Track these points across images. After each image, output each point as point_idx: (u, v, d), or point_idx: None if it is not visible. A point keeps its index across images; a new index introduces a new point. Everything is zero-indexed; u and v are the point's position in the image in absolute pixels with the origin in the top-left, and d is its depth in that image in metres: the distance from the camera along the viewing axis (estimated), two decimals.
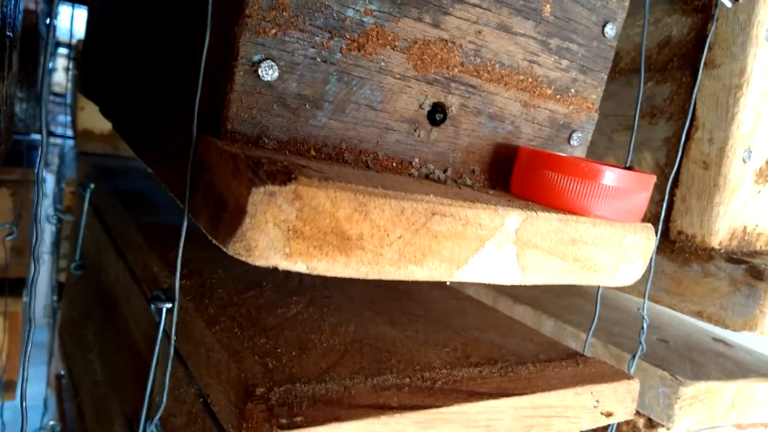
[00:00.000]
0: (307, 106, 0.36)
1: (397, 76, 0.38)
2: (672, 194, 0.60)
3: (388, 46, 0.37)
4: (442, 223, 0.32)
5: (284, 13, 0.33)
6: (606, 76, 0.48)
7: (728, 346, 0.74)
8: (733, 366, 0.66)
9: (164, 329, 0.44)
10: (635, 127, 0.55)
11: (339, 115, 0.37)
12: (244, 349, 0.38)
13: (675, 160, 0.59)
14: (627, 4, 0.47)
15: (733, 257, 0.55)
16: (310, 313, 0.46)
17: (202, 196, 0.33)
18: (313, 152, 0.37)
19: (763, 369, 0.67)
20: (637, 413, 0.63)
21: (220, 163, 0.31)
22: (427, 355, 0.43)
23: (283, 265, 0.28)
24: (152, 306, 0.46)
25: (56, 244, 1.74)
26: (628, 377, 0.46)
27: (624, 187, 0.38)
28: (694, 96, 0.56)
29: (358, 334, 0.44)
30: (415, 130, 0.40)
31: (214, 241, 0.30)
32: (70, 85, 1.66)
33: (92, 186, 0.95)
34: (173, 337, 0.40)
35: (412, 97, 0.39)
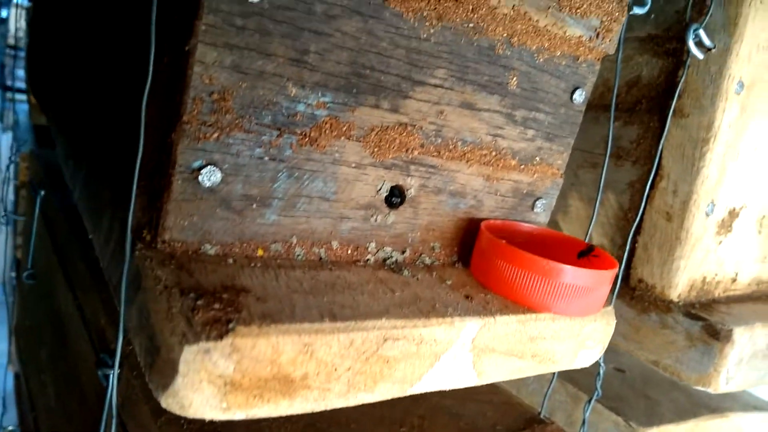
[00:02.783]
0: (254, 206, 0.33)
1: (353, 165, 0.36)
2: (634, 241, 0.59)
3: (342, 137, 0.35)
4: (395, 347, 0.31)
5: (227, 116, 0.30)
6: (573, 140, 0.46)
7: None
8: (686, 401, 0.67)
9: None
10: (602, 179, 0.54)
11: (289, 210, 0.35)
12: None
13: (638, 206, 0.58)
14: (598, 68, 0.45)
15: (690, 312, 0.55)
16: None
17: (138, 317, 0.30)
18: (260, 252, 0.34)
19: (714, 402, 0.69)
20: None
21: (155, 293, 0.28)
22: None
23: (221, 417, 0.26)
24: (99, 372, 0.44)
25: (13, 223, 1.65)
26: None
27: (586, 285, 0.37)
28: (660, 146, 0.55)
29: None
30: (371, 216, 0.38)
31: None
32: (22, 35, 1.54)
33: (42, 193, 0.91)
34: (114, 405, 0.38)
35: (368, 184, 0.37)
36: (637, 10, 0.46)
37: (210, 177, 0.31)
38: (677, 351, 0.56)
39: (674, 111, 0.55)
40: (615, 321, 0.42)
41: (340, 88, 0.33)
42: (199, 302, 0.27)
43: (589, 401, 0.59)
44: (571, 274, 0.36)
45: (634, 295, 0.60)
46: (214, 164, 0.31)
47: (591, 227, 0.56)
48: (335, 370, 0.29)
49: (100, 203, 0.40)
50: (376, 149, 0.36)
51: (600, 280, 0.38)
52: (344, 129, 0.34)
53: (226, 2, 0.28)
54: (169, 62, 0.30)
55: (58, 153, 0.65)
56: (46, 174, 1.00)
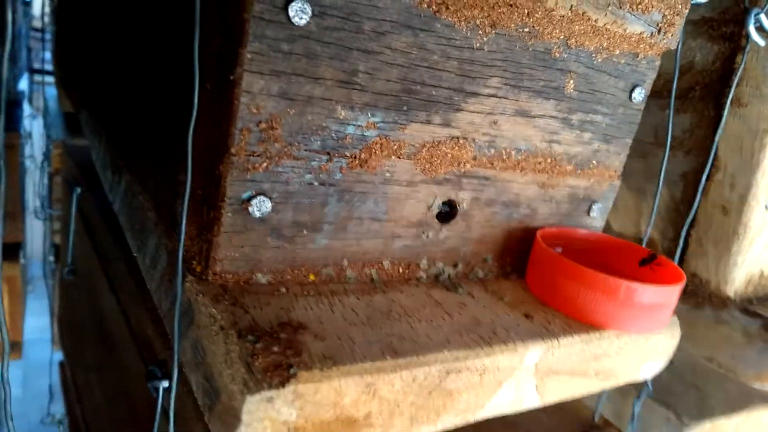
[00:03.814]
0: (305, 231, 0.32)
1: (404, 183, 0.34)
2: (687, 234, 0.57)
3: (393, 156, 0.33)
4: (458, 379, 0.30)
5: (276, 144, 0.29)
6: (631, 140, 0.44)
7: None
8: (736, 391, 0.65)
9: (163, 407, 0.42)
10: (662, 173, 0.52)
11: (340, 233, 0.33)
12: None
13: (691, 198, 0.55)
14: (658, 64, 0.42)
15: (748, 309, 0.53)
16: None
17: (192, 352, 0.30)
18: (312, 277, 0.33)
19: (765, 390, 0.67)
20: None
21: (210, 332, 0.27)
22: None
23: None
24: (149, 384, 0.44)
25: (49, 206, 1.67)
26: None
27: (653, 302, 0.35)
28: (717, 137, 0.52)
29: None
30: (423, 233, 0.37)
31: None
32: (48, 19, 1.54)
33: (78, 190, 0.91)
34: (172, 419, 0.38)
35: (420, 201, 0.36)
36: None
37: (260, 207, 0.30)
38: (733, 348, 0.54)
39: (732, 100, 0.52)
40: (680, 333, 0.40)
41: (390, 107, 0.32)
42: (258, 345, 0.26)
43: (639, 396, 0.58)
44: (636, 290, 0.35)
45: (687, 289, 0.57)
46: (264, 194, 0.30)
47: (651, 223, 0.54)
48: (398, 406, 0.28)
49: (144, 224, 0.39)
50: (427, 165, 0.35)
51: (667, 296, 0.36)
52: (395, 148, 0.33)
53: (271, 28, 0.27)
54: (212, 88, 0.29)
55: (94, 158, 0.65)
56: (80, 170, 1.01)
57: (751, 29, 0.48)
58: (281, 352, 0.26)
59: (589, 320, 0.36)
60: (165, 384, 0.44)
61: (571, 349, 0.34)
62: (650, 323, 0.36)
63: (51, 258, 1.67)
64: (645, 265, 0.41)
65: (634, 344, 0.37)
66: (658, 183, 0.53)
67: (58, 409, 1.33)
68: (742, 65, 0.51)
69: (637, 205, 0.62)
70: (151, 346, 0.51)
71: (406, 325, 0.31)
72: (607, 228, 0.66)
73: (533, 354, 0.32)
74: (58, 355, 1.37)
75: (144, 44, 0.43)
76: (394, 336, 0.29)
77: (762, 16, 0.48)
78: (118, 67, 0.52)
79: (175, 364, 0.32)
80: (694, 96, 0.57)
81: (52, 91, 1.81)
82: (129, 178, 0.45)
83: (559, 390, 0.35)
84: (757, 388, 0.66)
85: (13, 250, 1.60)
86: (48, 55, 1.63)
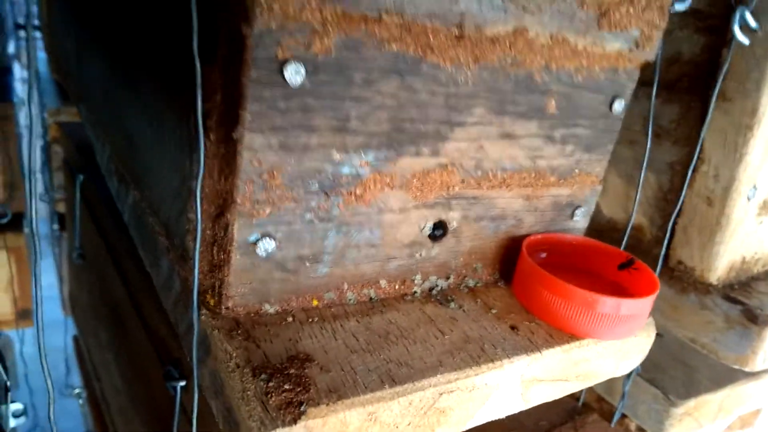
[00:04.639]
0: (307, 263, 0.35)
1: (397, 211, 0.37)
2: (674, 223, 0.59)
3: (386, 188, 0.35)
4: (450, 398, 0.33)
5: (277, 191, 0.31)
6: (612, 147, 0.46)
7: None
8: (723, 366, 0.69)
9: (181, 404, 0.46)
10: (644, 168, 0.54)
11: (339, 261, 0.36)
12: None
13: (678, 187, 0.58)
14: (638, 74, 0.44)
15: (729, 296, 0.56)
16: None
17: (211, 381, 0.33)
18: (315, 302, 0.36)
19: None
20: (629, 418, 0.67)
21: (227, 368, 0.31)
22: None
23: None
24: (167, 384, 0.48)
25: (50, 178, 1.68)
26: None
27: (628, 314, 0.38)
28: (703, 132, 0.54)
29: None
30: (416, 252, 0.39)
31: None
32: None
33: (81, 178, 0.93)
34: (194, 421, 0.41)
35: (412, 224, 0.38)
36: (679, 6, 0.44)
37: (266, 247, 0.32)
38: (715, 331, 0.57)
39: (717, 94, 0.54)
40: (655, 332, 0.43)
41: (381, 145, 0.34)
42: (271, 384, 0.29)
43: (629, 376, 0.62)
44: (612, 304, 0.37)
45: (673, 275, 0.60)
46: (269, 236, 0.32)
47: (634, 213, 0.56)
48: (396, 428, 0.31)
49: (155, 244, 0.42)
50: (418, 193, 0.37)
51: (642, 307, 0.39)
52: (387, 181, 0.35)
53: (269, 89, 0.29)
54: (216, 140, 0.31)
55: (98, 158, 0.66)
56: (80, 153, 1.02)
57: (736, 29, 0.49)
58: (291, 390, 0.29)
59: (569, 330, 0.39)
60: (182, 383, 0.47)
61: (552, 359, 0.37)
62: (626, 331, 0.39)
63: (55, 226, 1.70)
64: (624, 269, 0.43)
65: (612, 348, 0.40)
66: (640, 174, 0.55)
67: (75, 381, 1.40)
68: (728, 61, 0.52)
69: (627, 192, 0.64)
70: (166, 345, 0.55)
71: (403, 348, 0.34)
72: (598, 213, 0.68)
73: (519, 367, 0.36)
74: (69, 323, 1.42)
75: (139, 67, 0.45)
76: (392, 362, 0.33)
77: (747, 15, 0.49)
78: (115, 83, 0.53)
79: (195, 390, 0.35)
80: (681, 87, 0.58)
81: (41, 55, 1.76)
82: (137, 195, 0.47)
83: (542, 394, 0.38)
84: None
85: (17, 220, 1.62)
86: (35, 9, 1.60)
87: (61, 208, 1.60)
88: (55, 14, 0.95)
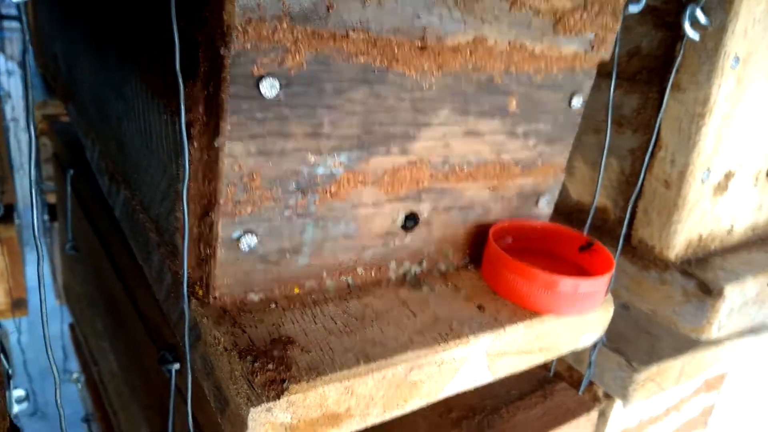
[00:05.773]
0: (288, 255, 0.38)
1: (370, 205, 0.40)
2: (635, 205, 0.63)
3: (359, 185, 0.39)
4: (420, 372, 0.37)
5: (257, 192, 0.35)
6: (573, 139, 0.49)
7: None
8: (686, 337, 0.74)
9: (177, 386, 0.49)
10: (606, 151, 0.57)
11: (318, 252, 0.39)
12: None
13: (639, 172, 0.61)
14: (594, 71, 0.47)
15: (686, 271, 0.60)
16: None
17: (202, 363, 0.36)
18: (296, 290, 0.40)
19: None
20: (596, 385, 0.72)
21: (216, 351, 0.34)
22: (413, 417, 0.49)
23: None
24: (162, 367, 0.51)
25: (37, 167, 1.69)
26: (588, 408, 0.53)
27: (584, 292, 0.42)
28: (659, 119, 0.58)
29: None
30: (390, 242, 0.43)
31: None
32: None
33: (72, 172, 0.96)
34: (189, 401, 0.45)
35: (385, 217, 0.41)
36: (633, 9, 0.47)
37: (248, 243, 0.36)
38: (674, 305, 0.62)
39: (672, 85, 0.57)
40: (613, 307, 0.47)
41: (353, 147, 0.37)
42: (256, 364, 0.32)
43: (595, 346, 0.66)
44: (569, 284, 0.41)
45: (635, 253, 0.64)
46: (251, 232, 0.36)
47: (596, 196, 0.60)
48: (372, 399, 0.35)
49: (146, 240, 0.45)
50: (390, 188, 0.40)
51: (599, 285, 0.42)
52: (360, 179, 0.38)
53: (246, 102, 0.32)
54: (199, 147, 0.34)
55: (88, 156, 0.69)
56: (69, 149, 1.04)
57: (687, 26, 0.52)
58: (275, 369, 0.32)
59: (532, 308, 0.43)
60: (177, 366, 0.51)
61: (516, 334, 0.41)
62: (585, 307, 0.43)
63: (45, 217, 1.72)
64: (584, 251, 0.47)
65: (572, 323, 0.44)
66: (602, 159, 0.59)
67: (73, 367, 1.43)
68: (681, 54, 0.55)
69: (593, 176, 0.68)
70: (161, 331, 0.58)
71: (377, 329, 0.38)
72: (567, 196, 0.72)
73: (484, 342, 0.39)
74: (65, 311, 1.45)
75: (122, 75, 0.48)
76: (367, 342, 0.36)
77: (698, 11, 0.52)
78: (102, 96, 0.56)
79: (189, 373, 0.38)
80: (641, 79, 0.62)
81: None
82: (128, 194, 0.50)
83: (508, 366, 0.42)
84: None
85: (8, 212, 1.63)
86: None
87: (51, 199, 1.62)
88: (42, 13, 0.96)
